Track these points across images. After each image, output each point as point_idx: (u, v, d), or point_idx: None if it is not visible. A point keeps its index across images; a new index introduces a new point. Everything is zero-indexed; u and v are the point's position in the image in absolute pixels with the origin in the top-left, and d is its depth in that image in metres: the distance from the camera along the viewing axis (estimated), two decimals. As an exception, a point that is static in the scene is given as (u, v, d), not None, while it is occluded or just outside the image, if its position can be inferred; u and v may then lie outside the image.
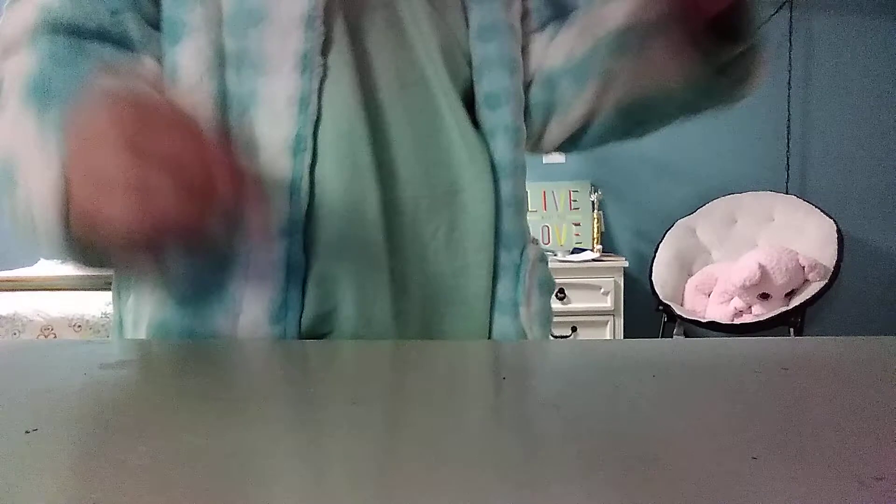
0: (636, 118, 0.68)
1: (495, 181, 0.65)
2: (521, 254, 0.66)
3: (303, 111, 0.55)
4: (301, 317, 0.56)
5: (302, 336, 0.56)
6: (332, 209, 0.56)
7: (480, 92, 0.65)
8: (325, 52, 0.56)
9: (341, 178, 0.56)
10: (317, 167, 0.56)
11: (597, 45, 0.65)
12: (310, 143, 0.55)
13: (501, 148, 0.65)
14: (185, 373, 0.38)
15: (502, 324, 0.64)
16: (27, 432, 0.28)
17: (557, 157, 3.18)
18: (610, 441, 0.27)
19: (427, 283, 0.61)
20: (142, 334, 0.57)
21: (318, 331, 0.57)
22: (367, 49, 0.59)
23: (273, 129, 0.55)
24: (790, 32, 3.04)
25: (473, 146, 0.64)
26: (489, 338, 0.64)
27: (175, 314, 0.56)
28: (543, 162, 3.19)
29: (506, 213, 0.65)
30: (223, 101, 0.55)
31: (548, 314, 0.69)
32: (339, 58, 0.57)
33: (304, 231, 0.55)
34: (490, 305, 0.64)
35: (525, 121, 0.70)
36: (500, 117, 0.65)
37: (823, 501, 0.21)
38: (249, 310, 0.55)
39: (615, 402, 0.34)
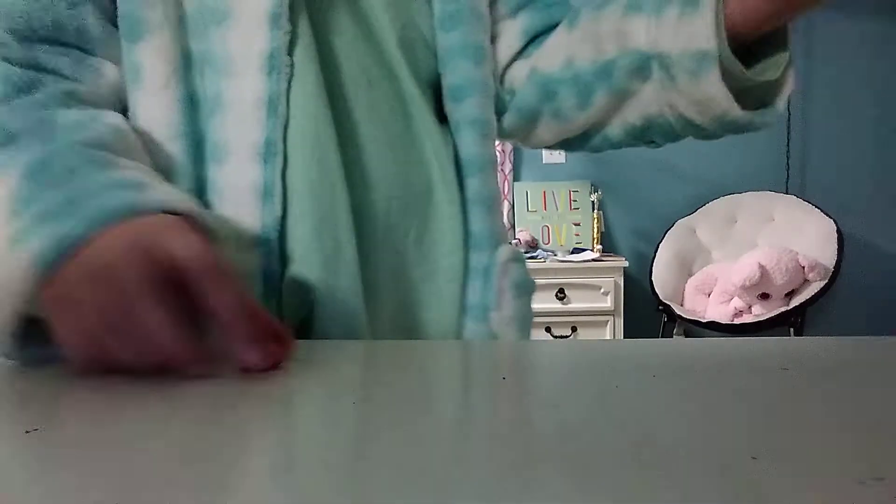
0: (644, 138, 0.66)
1: (461, 178, 0.62)
2: (492, 255, 0.63)
3: (272, 114, 0.53)
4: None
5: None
6: (304, 215, 0.54)
7: (445, 84, 0.63)
8: (290, 51, 0.54)
9: (311, 182, 0.54)
10: (288, 172, 0.54)
11: (611, 61, 0.61)
12: (280, 147, 0.53)
13: (468, 142, 0.62)
14: (184, 372, 0.38)
15: (472, 330, 0.61)
16: (27, 432, 0.28)
17: (557, 157, 3.18)
18: (610, 441, 0.27)
19: (399, 288, 0.60)
20: None
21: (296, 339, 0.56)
22: (332, 46, 0.57)
23: (242, 134, 0.53)
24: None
25: (441, 142, 0.62)
26: None
27: None
28: (543, 162, 3.19)
29: (474, 212, 0.62)
30: (191, 104, 0.54)
31: (525, 317, 0.66)
32: (305, 55, 0.55)
33: (278, 238, 0.54)
34: (461, 310, 0.62)
35: (512, 119, 0.68)
36: (465, 110, 0.63)
37: (823, 501, 0.21)
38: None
39: (615, 402, 0.34)
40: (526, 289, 0.66)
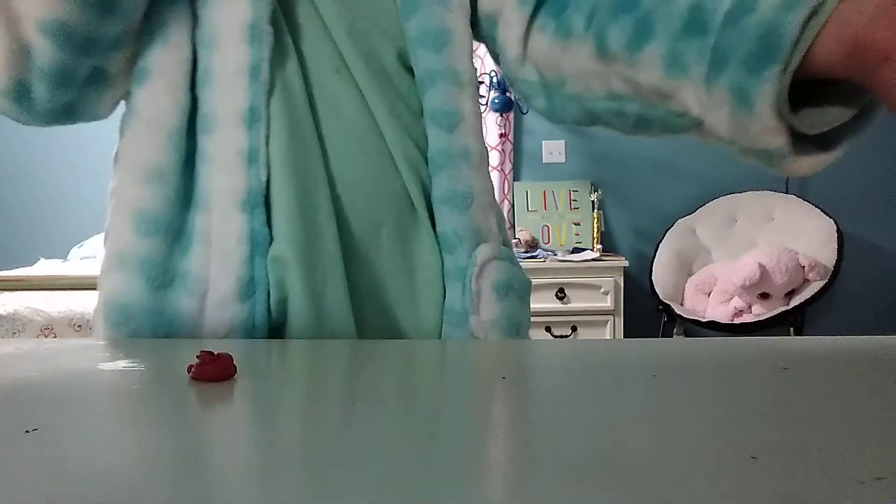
0: (646, 133, 0.58)
1: (427, 175, 0.60)
2: (469, 256, 0.59)
3: (254, 81, 0.55)
4: (269, 297, 0.55)
5: (270, 319, 0.55)
6: (284, 185, 0.56)
7: (415, 75, 0.61)
8: (273, 21, 0.56)
9: (292, 153, 0.56)
10: (271, 139, 0.56)
11: (622, 94, 0.55)
12: (264, 113, 0.55)
13: (432, 137, 0.60)
14: (184, 372, 0.38)
15: (450, 333, 0.59)
16: (27, 432, 0.28)
17: (558, 157, 3.18)
18: (610, 441, 0.27)
19: (379, 281, 0.59)
20: (102, 318, 0.57)
21: (278, 318, 0.56)
22: (295, 33, 0.59)
23: (228, 102, 0.55)
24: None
25: (409, 138, 0.60)
26: None
27: (138, 295, 0.55)
28: (543, 162, 3.19)
29: (442, 211, 0.59)
30: (193, 71, 0.57)
31: (514, 319, 0.61)
32: (282, 29, 0.57)
33: (265, 205, 0.55)
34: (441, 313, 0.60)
35: (515, 90, 0.66)
36: (428, 101, 0.60)
37: (823, 501, 0.21)
38: (216, 287, 0.54)
39: (615, 402, 0.34)
40: (510, 289, 0.61)
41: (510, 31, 0.63)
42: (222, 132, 0.55)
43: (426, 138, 0.61)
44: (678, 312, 2.68)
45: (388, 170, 0.59)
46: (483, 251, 0.60)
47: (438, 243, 0.60)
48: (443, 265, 0.60)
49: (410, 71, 0.62)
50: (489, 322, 0.59)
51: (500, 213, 0.66)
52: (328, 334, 0.56)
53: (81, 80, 0.56)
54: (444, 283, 0.60)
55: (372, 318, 0.59)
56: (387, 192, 0.59)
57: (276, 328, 0.56)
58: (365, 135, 0.59)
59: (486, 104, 2.97)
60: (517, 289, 0.62)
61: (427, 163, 0.61)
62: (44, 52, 0.51)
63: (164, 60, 0.56)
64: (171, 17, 0.56)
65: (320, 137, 0.57)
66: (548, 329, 2.68)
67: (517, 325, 0.61)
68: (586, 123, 0.63)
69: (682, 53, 0.47)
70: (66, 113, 0.58)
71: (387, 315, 0.59)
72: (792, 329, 2.64)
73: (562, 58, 0.59)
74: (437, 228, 0.60)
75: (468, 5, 0.63)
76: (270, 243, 0.55)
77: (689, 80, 0.48)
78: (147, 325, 0.55)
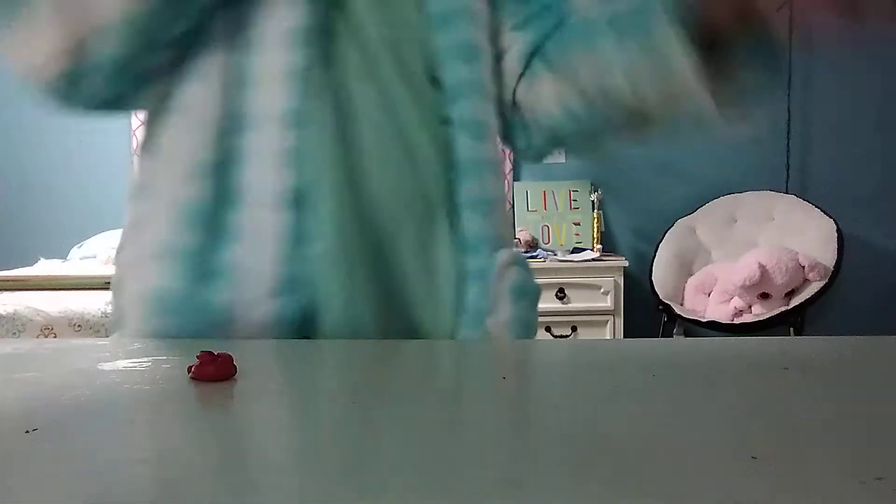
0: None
1: (450, 180, 0.62)
2: (490, 259, 0.62)
3: (298, 84, 0.56)
4: (303, 294, 0.56)
5: (302, 316, 0.56)
6: (321, 185, 0.57)
7: (444, 85, 0.63)
8: (317, 28, 0.57)
9: (329, 154, 0.57)
10: (310, 140, 0.56)
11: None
12: (305, 115, 0.56)
13: (461, 145, 0.62)
14: (184, 372, 0.38)
15: (467, 333, 0.61)
16: (27, 432, 0.28)
17: (557, 157, 3.18)
18: (609, 441, 0.27)
19: (401, 281, 0.60)
20: (138, 308, 0.58)
21: (309, 316, 0.57)
22: (334, 39, 0.59)
23: (268, 102, 0.56)
24: (790, 32, 3.04)
25: (436, 144, 0.62)
26: None
27: (179, 286, 0.56)
28: (543, 162, 3.19)
29: (468, 216, 0.62)
30: (235, 75, 0.58)
31: (525, 322, 0.64)
32: (323, 38, 0.58)
33: (303, 204, 0.56)
34: (457, 313, 0.61)
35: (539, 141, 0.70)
36: (458, 111, 0.62)
37: (823, 501, 0.21)
38: (252, 283, 0.56)
39: (615, 402, 0.34)
40: (524, 293, 0.64)
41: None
42: (263, 131, 0.56)
43: (448, 145, 0.62)
44: (678, 312, 2.69)
45: (414, 173, 0.61)
46: (503, 255, 0.63)
47: (458, 245, 0.62)
48: (463, 266, 0.62)
49: (436, 81, 0.63)
50: (504, 322, 0.61)
51: (509, 220, 0.70)
52: (355, 332, 0.57)
53: (137, 75, 0.57)
54: (462, 283, 0.62)
55: (394, 317, 0.60)
56: (411, 195, 0.61)
57: (305, 325, 0.57)
58: (394, 138, 0.60)
59: (486, 104, 2.97)
60: (530, 294, 0.66)
61: (451, 168, 0.62)
62: (108, 45, 0.53)
63: (207, 60, 0.58)
64: (219, 19, 0.58)
65: (354, 139, 0.59)
66: (548, 329, 2.68)
67: (527, 328, 0.64)
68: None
69: None
70: (115, 104, 0.59)
71: (408, 314, 0.61)
72: (792, 329, 2.64)
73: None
74: (462, 231, 0.62)
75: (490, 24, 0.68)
76: (306, 242, 0.56)
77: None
78: (185, 318, 0.56)
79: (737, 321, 2.59)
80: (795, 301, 2.57)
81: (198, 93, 0.58)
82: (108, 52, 0.53)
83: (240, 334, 0.56)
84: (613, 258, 2.82)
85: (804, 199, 2.88)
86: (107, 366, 0.42)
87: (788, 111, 3.08)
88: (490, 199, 0.64)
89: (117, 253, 0.64)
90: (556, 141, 0.70)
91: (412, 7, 0.62)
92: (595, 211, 2.97)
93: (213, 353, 0.38)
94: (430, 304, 0.61)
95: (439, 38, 0.62)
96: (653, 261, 2.90)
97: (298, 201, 0.56)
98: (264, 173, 0.57)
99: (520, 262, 0.66)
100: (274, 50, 0.57)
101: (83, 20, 0.52)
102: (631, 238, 3.18)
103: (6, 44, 0.54)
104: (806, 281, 2.59)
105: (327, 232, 0.56)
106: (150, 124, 0.61)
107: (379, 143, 0.59)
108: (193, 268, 0.56)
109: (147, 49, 0.55)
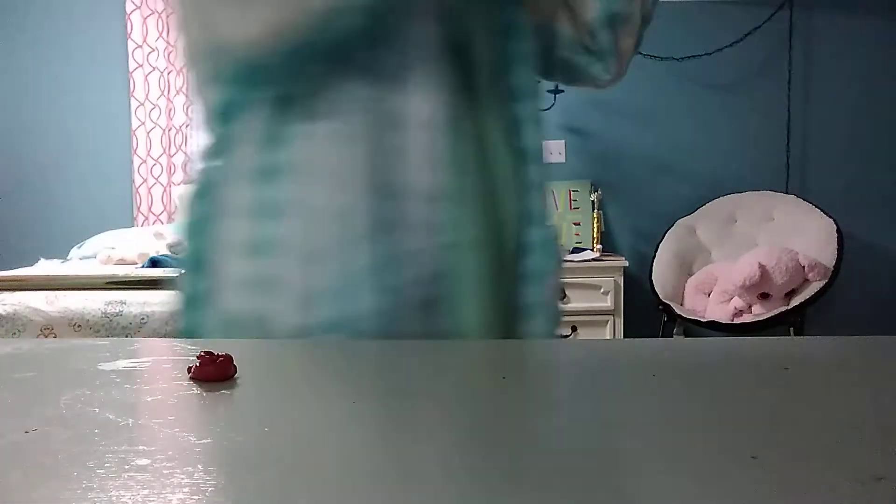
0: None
1: (522, 165, 0.69)
2: (548, 230, 0.70)
3: (450, 93, 0.60)
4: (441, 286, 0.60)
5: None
6: (464, 185, 0.61)
7: (510, 85, 0.69)
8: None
9: (466, 157, 0.62)
10: (451, 144, 0.60)
11: None
12: (455, 122, 0.61)
13: (533, 167, 0.69)
14: (184, 372, 0.38)
15: (533, 293, 0.68)
16: (27, 432, 0.28)
17: (558, 157, 3.18)
18: (609, 441, 0.27)
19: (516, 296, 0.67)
20: (292, 306, 0.58)
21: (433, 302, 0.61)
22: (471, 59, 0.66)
23: (419, 105, 0.60)
24: (790, 32, 3.04)
25: (514, 165, 0.68)
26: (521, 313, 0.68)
27: (340, 283, 0.57)
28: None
29: (533, 195, 0.69)
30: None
31: (557, 320, 0.73)
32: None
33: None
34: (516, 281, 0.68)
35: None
36: (527, 139, 0.69)
37: (823, 501, 0.21)
38: (403, 279, 0.58)
39: (615, 402, 0.34)
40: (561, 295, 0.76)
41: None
42: (414, 132, 0.59)
43: (513, 167, 0.69)
44: (678, 312, 2.69)
45: (498, 187, 0.67)
46: (552, 229, 0.72)
47: (525, 218, 0.69)
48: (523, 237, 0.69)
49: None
50: (556, 287, 0.72)
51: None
52: (484, 334, 0.62)
53: (319, 74, 0.60)
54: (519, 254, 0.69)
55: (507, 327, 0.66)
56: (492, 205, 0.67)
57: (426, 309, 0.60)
58: (497, 147, 0.66)
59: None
60: (559, 297, 0.75)
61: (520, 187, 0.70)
62: (315, 33, 0.56)
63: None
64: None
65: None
66: (548, 329, 2.68)
67: (556, 323, 0.73)
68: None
69: None
70: (286, 102, 0.60)
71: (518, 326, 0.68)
72: (792, 329, 2.64)
73: None
74: (530, 207, 0.69)
75: None
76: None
77: None
78: (338, 314, 0.57)
79: (737, 321, 2.59)
80: (795, 301, 2.57)
81: (339, 101, 0.59)
82: (314, 39, 0.56)
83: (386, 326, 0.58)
84: (613, 258, 2.82)
85: (804, 199, 2.88)
86: (107, 366, 0.42)
87: (788, 111, 3.08)
88: (545, 213, 0.71)
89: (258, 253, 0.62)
90: (614, 36, 0.74)
91: (482, 13, 0.68)
92: (595, 211, 2.97)
93: (214, 354, 0.38)
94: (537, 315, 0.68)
95: (514, 75, 0.69)
96: (653, 261, 2.90)
97: (444, 196, 0.60)
98: (415, 171, 0.59)
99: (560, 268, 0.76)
100: (430, 59, 0.60)
101: (300, 3, 0.55)
102: (631, 238, 3.18)
103: (221, 14, 0.56)
104: (806, 281, 2.59)
105: (472, 227, 0.61)
106: (280, 134, 0.61)
107: (484, 157, 0.65)
108: (351, 266, 0.59)
109: (342, 46, 0.58)
